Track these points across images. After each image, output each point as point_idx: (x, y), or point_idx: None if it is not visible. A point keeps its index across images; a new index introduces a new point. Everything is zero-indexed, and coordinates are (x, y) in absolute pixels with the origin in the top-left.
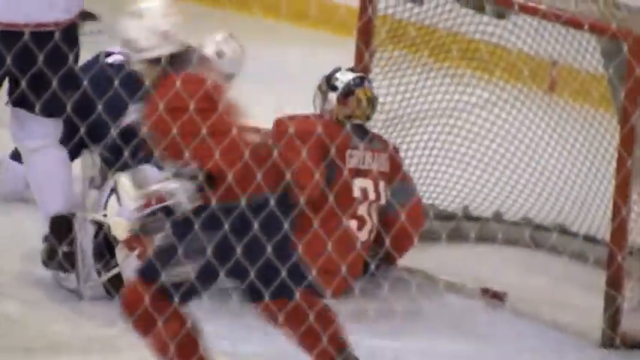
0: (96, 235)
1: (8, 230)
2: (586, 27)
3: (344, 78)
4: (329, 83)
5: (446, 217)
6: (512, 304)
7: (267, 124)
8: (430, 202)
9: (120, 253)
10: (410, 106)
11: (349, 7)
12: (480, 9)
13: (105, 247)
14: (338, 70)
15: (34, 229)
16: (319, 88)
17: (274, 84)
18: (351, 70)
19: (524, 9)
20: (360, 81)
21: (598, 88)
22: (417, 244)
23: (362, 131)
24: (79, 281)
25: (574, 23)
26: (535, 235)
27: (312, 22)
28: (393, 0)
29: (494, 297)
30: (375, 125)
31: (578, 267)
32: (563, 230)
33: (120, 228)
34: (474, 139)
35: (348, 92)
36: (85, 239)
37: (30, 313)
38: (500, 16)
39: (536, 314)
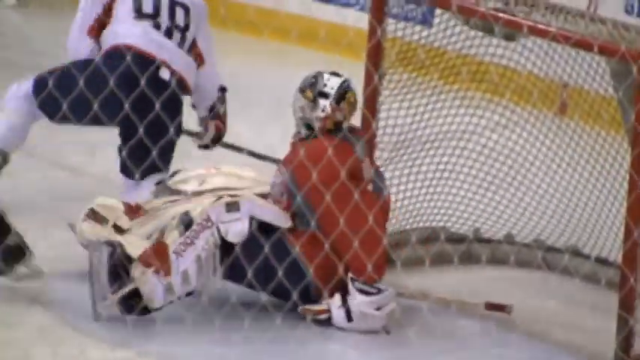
0: (111, 255)
1: None
2: (595, 49)
3: (333, 83)
4: (315, 90)
5: (457, 239)
6: (525, 326)
7: (277, 148)
8: (441, 224)
9: (136, 269)
10: (420, 129)
11: (358, 29)
12: (489, 31)
13: (120, 267)
14: (319, 75)
15: (37, 251)
16: (304, 96)
17: (283, 107)
18: (333, 73)
19: (534, 31)
20: (348, 84)
21: (608, 109)
22: (428, 267)
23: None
24: (95, 302)
25: (583, 45)
26: (547, 257)
27: (321, 44)
28: (402, 22)
29: (499, 310)
30: (385, 148)
31: (591, 289)
32: (575, 252)
33: (134, 245)
34: (485, 162)
35: (340, 97)
36: (99, 260)
37: (39, 336)
38: (510, 38)
39: (548, 336)
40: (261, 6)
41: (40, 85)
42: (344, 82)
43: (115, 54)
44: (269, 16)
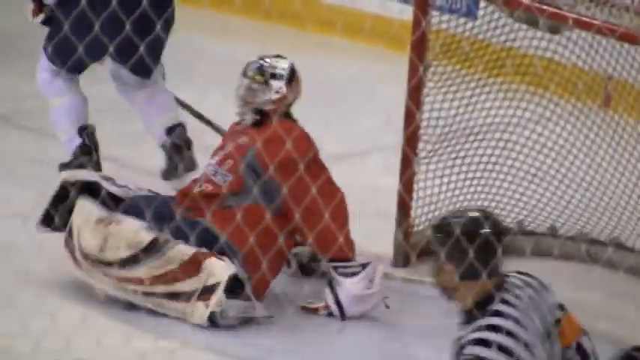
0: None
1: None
2: None
3: (282, 64)
4: (267, 72)
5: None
6: None
7: (321, 140)
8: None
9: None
10: (464, 121)
11: (403, 21)
12: (533, 24)
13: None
14: (265, 59)
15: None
16: (254, 80)
17: (329, 100)
18: (277, 56)
19: (579, 24)
20: (294, 65)
21: None
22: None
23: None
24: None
25: (628, 38)
26: (590, 250)
27: (365, 36)
28: (447, 14)
29: None
30: (428, 140)
31: (634, 281)
32: (619, 245)
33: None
34: (528, 154)
35: (292, 78)
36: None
37: (84, 325)
38: (554, 30)
39: (591, 329)
40: None
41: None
42: (291, 63)
43: None
44: (312, 7)
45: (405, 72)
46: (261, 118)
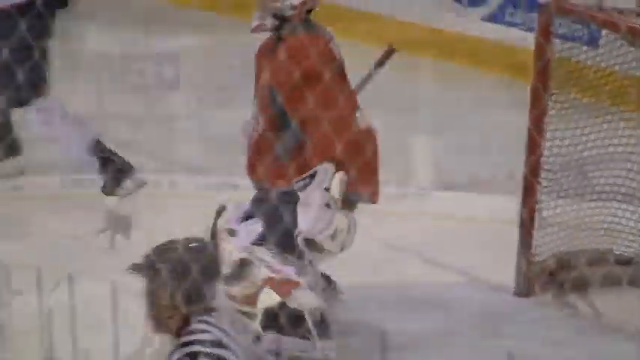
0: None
1: None
2: None
3: None
4: None
5: (624, 261)
6: None
7: (445, 170)
8: (608, 247)
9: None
10: (587, 150)
11: (525, 48)
12: None
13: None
14: None
15: None
16: None
17: (447, 128)
18: None
19: None
20: None
21: None
22: (598, 289)
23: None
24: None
25: None
26: None
27: (485, 63)
28: (569, 42)
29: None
30: (551, 169)
31: None
32: None
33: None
34: None
35: None
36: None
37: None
38: None
39: None
40: (424, 25)
41: None
42: None
43: None
44: (433, 35)
45: (525, 99)
46: (281, 24)
